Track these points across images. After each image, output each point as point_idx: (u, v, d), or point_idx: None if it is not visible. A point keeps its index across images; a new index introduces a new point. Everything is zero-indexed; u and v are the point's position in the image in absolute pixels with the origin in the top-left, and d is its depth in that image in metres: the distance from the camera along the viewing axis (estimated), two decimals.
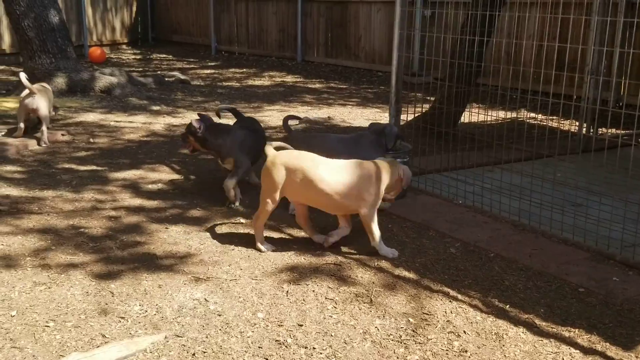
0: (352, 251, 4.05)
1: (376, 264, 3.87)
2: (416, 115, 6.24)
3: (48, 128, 6.50)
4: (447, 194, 5.02)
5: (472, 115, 6.31)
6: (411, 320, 3.24)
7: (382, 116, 8.43)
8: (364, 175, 3.88)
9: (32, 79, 7.93)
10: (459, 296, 3.51)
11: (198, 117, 4.93)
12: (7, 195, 4.93)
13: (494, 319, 3.27)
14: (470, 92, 6.79)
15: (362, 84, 11.36)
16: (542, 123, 7.57)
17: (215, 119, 5.26)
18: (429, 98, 7.94)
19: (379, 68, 12.16)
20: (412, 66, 10.73)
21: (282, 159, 3.93)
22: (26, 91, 6.38)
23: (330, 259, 3.93)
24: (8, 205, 4.70)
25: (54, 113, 7.14)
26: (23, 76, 6.39)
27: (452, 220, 4.58)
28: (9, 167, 5.66)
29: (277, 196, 3.97)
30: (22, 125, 6.38)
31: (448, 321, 3.25)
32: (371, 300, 3.43)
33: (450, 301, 3.45)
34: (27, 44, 8.69)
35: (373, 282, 3.63)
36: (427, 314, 3.30)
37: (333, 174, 3.86)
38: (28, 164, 5.79)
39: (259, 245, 4.06)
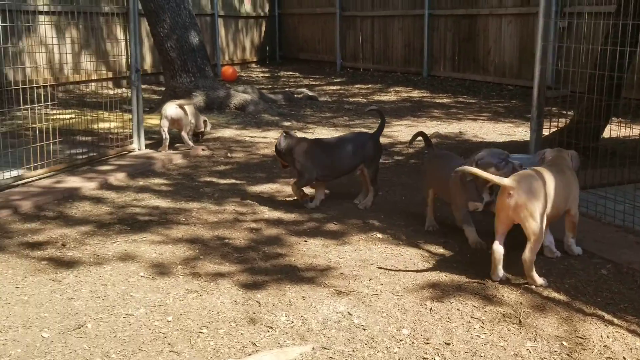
0: None
1: (523, 283, 3.73)
2: (555, 129, 5.99)
3: (191, 142, 6.88)
4: (593, 212, 4.77)
5: (616, 129, 5.97)
6: (565, 344, 3.09)
7: (515, 131, 8.20)
8: (573, 170, 4.02)
9: (174, 97, 8.42)
10: (615, 320, 3.31)
11: (284, 134, 5.16)
12: (157, 206, 5.23)
13: None
14: (613, 105, 6.44)
15: (492, 98, 11.10)
16: None
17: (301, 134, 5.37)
18: (565, 112, 7.61)
19: (509, 82, 11.84)
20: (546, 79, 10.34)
21: (540, 181, 3.68)
22: (168, 104, 6.79)
23: (473, 277, 3.83)
24: (158, 216, 4.98)
25: (208, 128, 7.51)
26: (193, 101, 6.94)
27: (600, 240, 4.34)
28: (157, 180, 6.00)
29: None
30: (166, 135, 6.78)
31: (605, 346, 3.07)
32: (520, 321, 3.31)
33: (605, 325, 3.26)
34: (169, 64, 9.22)
35: (520, 303, 3.51)
36: (582, 338, 3.14)
37: (568, 178, 3.92)
38: (173, 177, 6.11)
39: (535, 277, 3.70)
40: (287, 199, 5.45)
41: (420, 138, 5.02)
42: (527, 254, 3.64)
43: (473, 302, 3.53)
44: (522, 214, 3.61)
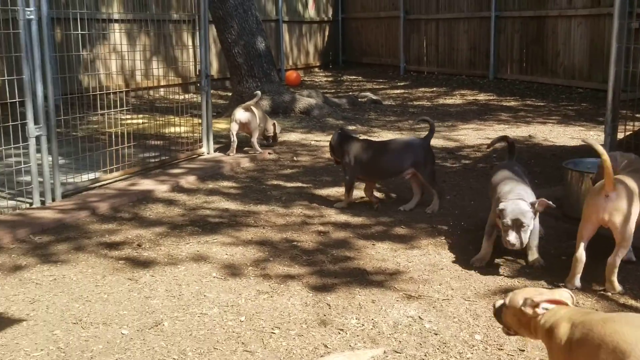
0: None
1: (598, 290, 3.64)
2: (629, 132, 5.81)
3: (259, 147, 7.01)
4: None
5: None
6: None
7: (586, 135, 7.98)
8: None
9: (240, 102, 8.57)
10: None
11: (339, 130, 5.45)
12: (226, 208, 5.33)
13: None
14: None
15: (561, 101, 10.84)
16: None
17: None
18: (638, 115, 7.38)
19: (578, 84, 11.53)
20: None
21: (633, 186, 3.59)
22: (238, 108, 6.94)
23: (546, 283, 3.76)
24: (228, 218, 5.08)
25: (278, 130, 7.62)
26: (258, 94, 7.09)
27: None
28: (226, 183, 6.12)
29: None
30: (235, 139, 6.93)
31: None
32: None
33: None
34: (236, 69, 9.40)
35: (596, 310, 3.42)
36: None
37: None
38: (241, 180, 6.22)
39: (615, 283, 3.61)
40: (355, 201, 5.47)
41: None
42: (614, 258, 3.56)
43: None
44: (618, 218, 3.51)
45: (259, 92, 7.27)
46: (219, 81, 13.31)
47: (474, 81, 13.37)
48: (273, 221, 5.02)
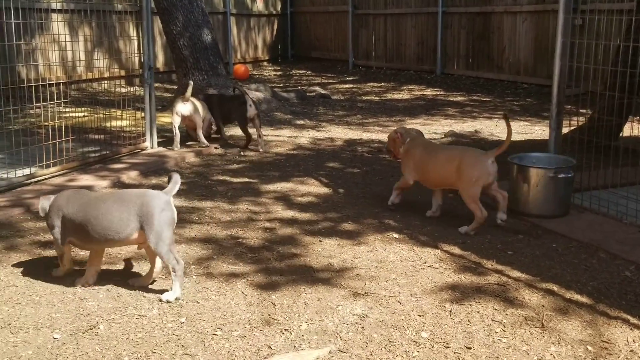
0: (515, 271, 3.85)
1: (544, 285, 3.64)
2: (574, 127, 5.88)
3: (205, 140, 6.84)
4: (614, 212, 4.66)
5: (637, 127, 5.85)
6: (590, 348, 3.00)
7: (531, 130, 8.08)
8: None
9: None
10: None
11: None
12: None
13: None
14: (634, 103, 6.31)
15: (507, 96, 10.98)
16: None
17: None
18: (583, 110, 7.50)
19: (524, 80, 11.71)
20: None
21: None
22: (178, 99, 6.74)
23: (493, 279, 3.75)
24: None
25: (213, 128, 7.46)
26: (192, 84, 6.83)
27: (623, 241, 4.23)
28: None
29: None
30: (177, 132, 6.73)
31: (631, 351, 2.97)
32: (542, 324, 3.21)
33: (631, 329, 3.16)
34: (182, 62, 9.17)
35: (543, 306, 3.41)
36: (607, 342, 3.04)
37: None
38: (186, 176, 6.05)
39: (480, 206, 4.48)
40: (300, 198, 5.38)
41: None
42: (504, 193, 4.52)
43: (493, 304, 3.44)
44: (495, 177, 4.42)
45: (191, 82, 7.08)
46: (165, 74, 13.02)
47: (421, 76, 13.43)
48: (218, 217, 4.88)
